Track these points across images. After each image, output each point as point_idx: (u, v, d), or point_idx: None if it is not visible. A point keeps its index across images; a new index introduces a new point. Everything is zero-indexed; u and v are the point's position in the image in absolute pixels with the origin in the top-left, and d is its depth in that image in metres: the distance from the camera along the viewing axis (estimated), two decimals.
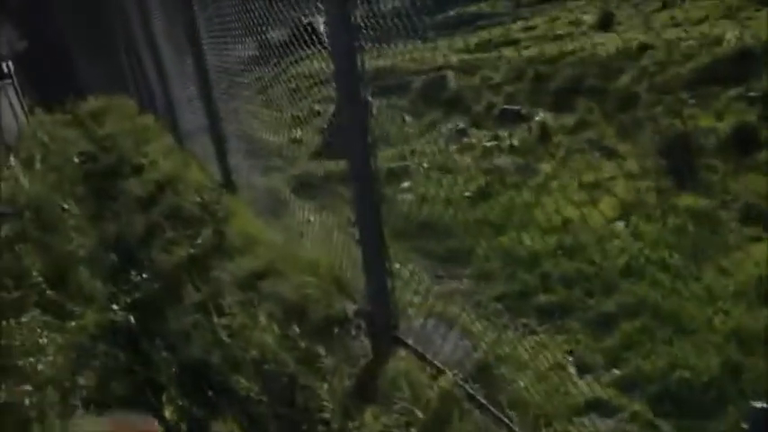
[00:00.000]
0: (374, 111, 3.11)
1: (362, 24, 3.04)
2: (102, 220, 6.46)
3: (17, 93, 12.16)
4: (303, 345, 3.32)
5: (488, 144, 6.97)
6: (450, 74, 9.45)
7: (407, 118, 8.44)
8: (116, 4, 12.58)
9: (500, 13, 15.26)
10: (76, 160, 8.99)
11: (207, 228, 5.09)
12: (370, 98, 3.35)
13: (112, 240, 5.82)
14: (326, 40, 3.31)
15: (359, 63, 3.09)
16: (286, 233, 5.17)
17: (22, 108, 12.35)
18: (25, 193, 6.97)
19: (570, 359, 3.45)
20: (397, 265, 4.40)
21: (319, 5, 3.20)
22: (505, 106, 8.00)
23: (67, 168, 8.60)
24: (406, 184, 6.27)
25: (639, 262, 4.17)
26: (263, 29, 4.93)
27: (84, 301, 4.64)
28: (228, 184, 6.18)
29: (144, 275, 4.51)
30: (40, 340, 3.99)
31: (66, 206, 6.45)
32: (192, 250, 4.80)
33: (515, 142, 6.84)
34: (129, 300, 4.38)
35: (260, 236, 4.94)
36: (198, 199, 5.85)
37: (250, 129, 6.76)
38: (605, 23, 10.15)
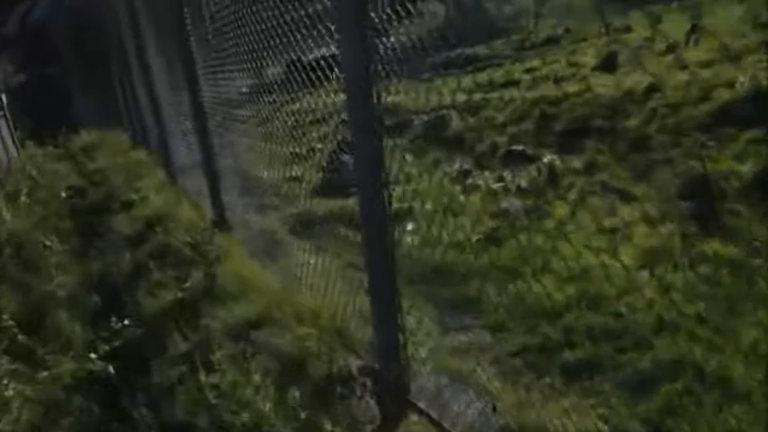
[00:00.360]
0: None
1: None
2: (86, 259, 6.02)
3: (9, 126, 11.79)
4: (301, 409, 2.86)
5: (495, 185, 6.58)
6: (452, 113, 9.11)
7: (408, 157, 8.05)
8: (111, 40, 12.28)
9: (500, 55, 15.04)
10: (64, 195, 8.57)
11: (197, 269, 4.65)
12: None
13: (95, 281, 5.37)
14: (338, 72, 2.95)
15: (375, 95, 2.70)
16: (283, 277, 4.74)
17: (14, 141, 11.97)
18: (6, 228, 6.53)
19: (605, 427, 3.00)
20: (408, 317, 3.98)
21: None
22: (511, 147, 7.65)
23: (54, 203, 8.17)
24: (410, 226, 5.85)
25: (672, 315, 3.74)
26: (262, 62, 4.58)
27: (61, 348, 4.18)
28: (222, 223, 5.75)
29: (127, 321, 4.04)
30: (6, 392, 3.53)
31: (48, 243, 6.01)
32: (180, 294, 4.36)
33: (523, 183, 6.46)
34: (109, 348, 3.91)
35: (255, 279, 4.51)
36: (188, 238, 5.41)
37: (245, 165, 6.39)
38: (608, 65, 9.87)
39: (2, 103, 11.71)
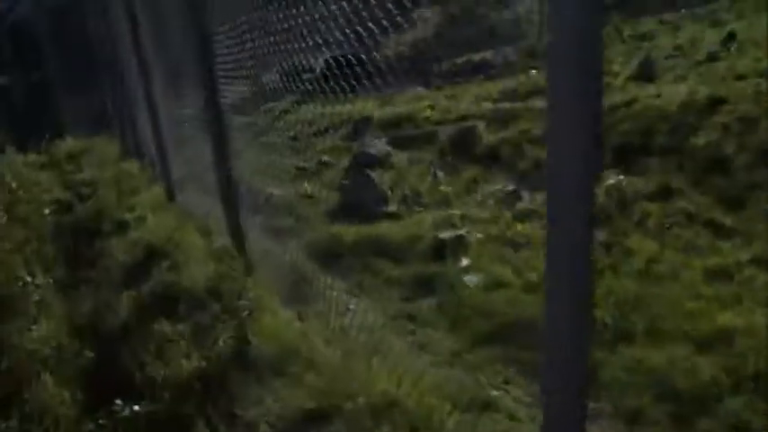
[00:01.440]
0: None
1: None
2: (75, 298, 4.91)
3: None
4: None
5: None
6: (479, 124, 8.09)
7: (439, 173, 7.03)
8: (102, 41, 11.13)
9: (511, 62, 14.09)
10: (47, 211, 7.41)
11: (223, 326, 3.56)
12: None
13: (88, 332, 4.26)
14: None
15: None
16: (325, 331, 3.68)
17: None
18: None
19: None
20: (494, 392, 2.95)
21: None
22: None
23: (36, 220, 7.02)
24: (464, 262, 4.81)
25: None
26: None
27: None
28: (240, 253, 4.66)
29: (134, 405, 2.95)
30: None
31: (29, 278, 4.88)
32: (203, 362, 3.26)
33: None
34: None
35: (298, 342, 3.43)
36: (205, 278, 4.34)
37: (260, 181, 5.34)
38: (645, 74, 8.92)
39: None
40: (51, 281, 5.21)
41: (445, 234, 5.15)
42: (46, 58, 16.87)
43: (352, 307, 4.16)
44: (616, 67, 9.86)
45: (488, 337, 3.72)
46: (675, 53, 10.11)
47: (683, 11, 17.37)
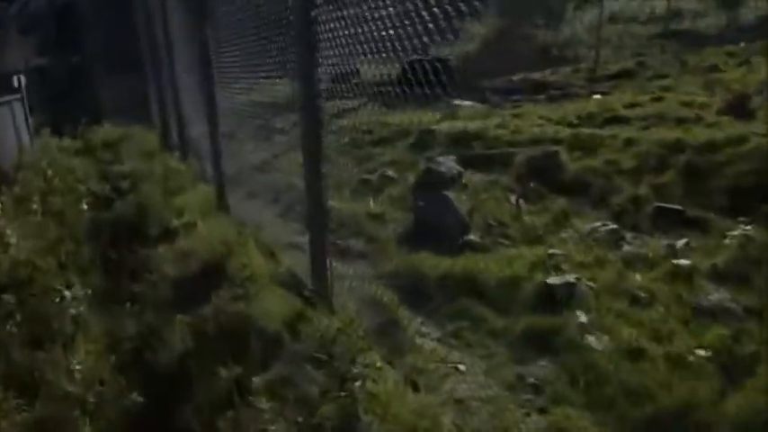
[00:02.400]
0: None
1: None
2: (117, 316, 4.11)
3: (25, 111, 9.86)
4: None
5: (669, 259, 4.71)
6: (559, 150, 7.24)
7: (522, 203, 6.19)
8: (151, 26, 10.40)
9: (572, 84, 13.24)
10: (84, 206, 6.63)
11: (321, 390, 2.72)
12: None
13: (134, 365, 3.46)
14: None
15: None
16: (441, 404, 2.84)
17: (28, 129, 10.01)
18: (10, 257, 4.61)
19: None
20: None
21: None
22: (661, 203, 5.78)
23: (72, 216, 6.25)
24: (582, 317, 3.95)
25: None
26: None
27: None
28: (321, 289, 3.82)
29: None
30: None
31: (66, 291, 4.08)
32: None
33: (716, 262, 4.58)
34: None
35: (411, 419, 2.59)
36: (278, 309, 3.52)
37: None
38: (739, 109, 8.05)
39: (20, 84, 9.77)
40: (89, 292, 4.42)
41: (553, 280, 4.30)
42: (89, 41, 16.20)
43: (461, 368, 3.34)
44: (700, 99, 8.99)
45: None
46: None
47: (742, 44, 16.51)
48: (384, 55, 3.36)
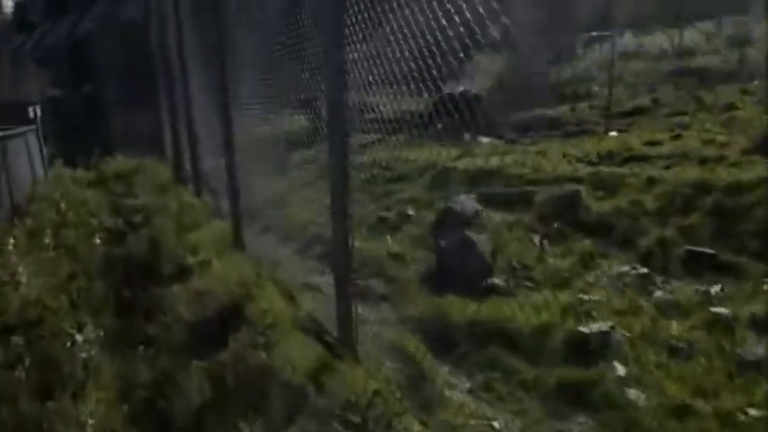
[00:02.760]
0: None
1: None
2: (130, 360, 3.91)
3: (39, 140, 9.78)
4: None
5: (705, 306, 4.48)
6: (581, 189, 7.05)
7: (546, 244, 5.98)
8: (162, 59, 10.34)
9: (584, 120, 13.10)
10: (98, 241, 6.47)
11: None
12: None
13: (149, 417, 3.25)
14: None
15: None
16: None
17: (42, 160, 9.92)
18: (21, 296, 4.44)
19: None
20: None
21: None
22: (691, 247, 5.57)
23: (85, 251, 6.08)
24: (620, 369, 3.73)
25: None
26: None
27: None
28: (345, 336, 3.61)
29: None
30: None
31: (77, 335, 3.89)
32: None
33: (754, 311, 4.35)
34: None
35: None
36: (302, 359, 3.31)
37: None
38: (766, 149, 7.86)
39: (35, 115, 9.70)
40: (101, 333, 4.23)
41: (586, 328, 4.08)
42: (103, 73, 16.21)
43: (496, 425, 3.11)
44: (721, 137, 8.81)
45: None
46: None
47: (756, 82, 16.37)
48: (404, 89, 3.28)
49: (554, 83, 18.91)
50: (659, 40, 23.56)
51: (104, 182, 10.61)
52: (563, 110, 13.78)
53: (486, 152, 9.30)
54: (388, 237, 6.30)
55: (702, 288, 4.87)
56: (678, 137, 9.41)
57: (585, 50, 23.72)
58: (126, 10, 14.39)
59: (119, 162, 12.12)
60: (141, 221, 7.29)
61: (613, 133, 11.64)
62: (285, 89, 4.99)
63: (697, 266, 5.34)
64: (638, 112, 13.28)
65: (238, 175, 6.24)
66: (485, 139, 11.03)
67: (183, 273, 5.33)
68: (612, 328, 4.12)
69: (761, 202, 6.08)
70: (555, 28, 20.66)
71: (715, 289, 4.83)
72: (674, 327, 4.25)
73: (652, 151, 8.59)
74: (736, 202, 6.24)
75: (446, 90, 3.35)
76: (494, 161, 8.45)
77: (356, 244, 3.69)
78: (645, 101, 14.02)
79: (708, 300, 4.68)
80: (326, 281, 4.80)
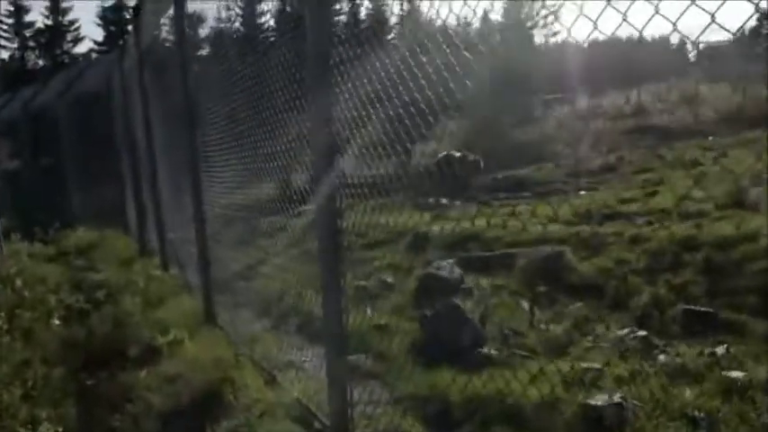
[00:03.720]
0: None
1: None
2: None
3: None
4: None
5: (728, 373, 4.16)
6: (565, 250, 6.80)
7: (535, 309, 5.67)
8: (128, 131, 9.98)
9: (553, 180, 13.06)
10: (56, 321, 5.96)
11: None
12: None
13: None
14: None
15: None
16: None
17: None
18: None
19: None
20: None
21: None
22: (687, 306, 5.30)
23: (42, 333, 5.58)
24: None
25: None
26: None
27: None
28: (340, 425, 3.19)
29: None
30: None
31: None
32: None
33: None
34: None
35: None
36: None
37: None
38: (741, 202, 7.79)
39: None
40: (60, 430, 3.75)
41: (597, 400, 3.73)
42: (63, 144, 15.76)
43: None
44: (697, 193, 8.73)
45: None
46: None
47: (710, 138, 16.69)
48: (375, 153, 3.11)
49: (516, 144, 19.04)
50: (615, 100, 24.11)
51: (64, 256, 10.09)
52: (529, 170, 13.66)
53: (459, 215, 9.05)
54: (369, 307, 5.91)
55: (707, 350, 4.57)
56: (653, 194, 9.31)
57: (545, 112, 24.12)
58: (86, 81, 14.07)
59: (79, 235, 11.61)
60: (104, 298, 6.80)
61: (583, 192, 11.58)
62: (259, 155, 4.69)
63: (696, 326, 5.06)
64: (605, 170, 13.31)
65: (209, 245, 5.86)
66: (456, 202, 10.83)
67: (151, 354, 4.87)
68: (624, 399, 3.78)
69: (750, 257, 5.90)
70: (514, 91, 20.96)
71: (721, 350, 4.54)
72: (688, 394, 3.92)
73: (630, 209, 8.45)
74: (726, 257, 6.05)
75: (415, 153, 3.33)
76: (469, 224, 8.20)
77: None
78: (611, 159, 14.10)
79: (716, 362, 4.38)
80: (311, 358, 4.41)
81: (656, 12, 1.89)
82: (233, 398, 3.70)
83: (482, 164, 12.56)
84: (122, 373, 4.59)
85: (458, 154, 12.22)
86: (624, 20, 2.00)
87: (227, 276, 5.85)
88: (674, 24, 1.94)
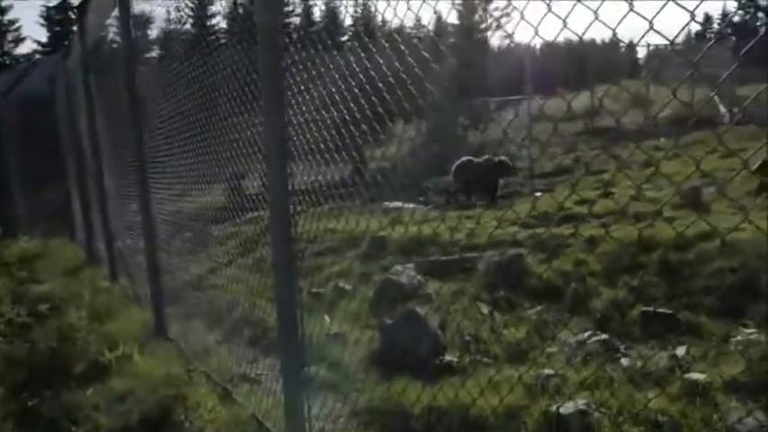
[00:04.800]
0: None
1: None
2: None
3: None
4: None
5: (690, 376, 4.15)
6: (524, 253, 6.79)
7: (496, 314, 5.62)
8: (76, 136, 9.67)
9: (508, 182, 13.09)
10: None
11: None
12: None
13: None
14: None
15: None
16: None
17: None
18: None
19: None
20: None
21: None
22: (647, 308, 5.31)
23: None
24: None
25: None
26: None
27: None
28: None
29: None
30: None
31: None
32: None
33: (734, 373, 4.06)
34: None
35: None
36: None
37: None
38: (695, 202, 7.89)
39: None
40: None
41: (562, 408, 3.68)
42: (3, 149, 15.22)
43: None
44: (651, 193, 8.82)
45: None
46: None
47: (662, 139, 17.00)
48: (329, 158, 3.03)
49: (470, 146, 19.10)
50: (568, 102, 24.39)
51: (5, 267, 9.69)
52: None
53: (415, 219, 8.99)
54: (326, 315, 5.79)
55: (668, 352, 4.58)
56: (608, 195, 9.39)
57: (499, 114, 24.27)
58: (29, 81, 13.62)
59: (22, 245, 11.19)
60: (48, 311, 6.53)
61: (538, 194, 11.64)
62: (210, 159, 4.54)
63: (656, 328, 5.06)
64: (560, 171, 13.41)
65: (158, 253, 5.67)
66: (410, 206, 10.77)
67: (98, 371, 4.68)
68: (588, 405, 3.74)
69: (705, 258, 5.96)
70: (467, 94, 21.05)
71: (681, 352, 4.54)
72: (651, 398, 3.89)
73: (586, 210, 8.48)
74: (682, 257, 6.10)
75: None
76: (426, 228, 8.14)
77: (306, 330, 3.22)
78: (566, 160, 14.22)
79: (678, 365, 4.38)
80: (266, 371, 4.27)
81: (596, 17, 1.95)
82: (185, 417, 3.53)
83: (516, 167, 12.65)
84: (67, 392, 4.38)
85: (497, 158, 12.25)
86: (565, 26, 2.04)
87: (179, 286, 5.67)
88: (614, 31, 1.98)
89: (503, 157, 12.60)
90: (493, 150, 18.43)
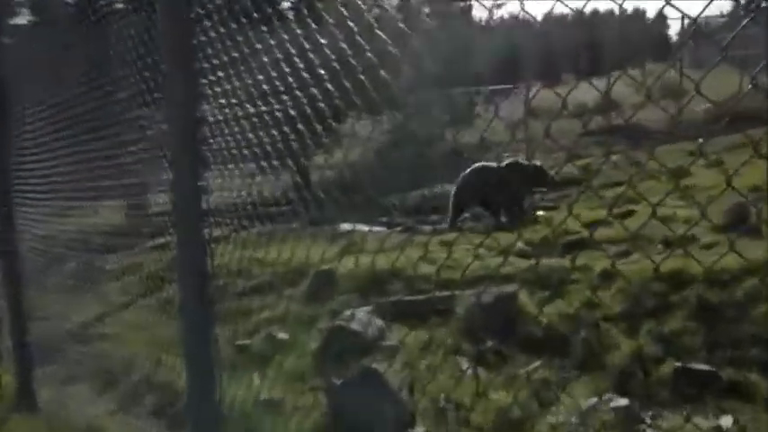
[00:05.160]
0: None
1: None
2: None
3: None
4: None
5: None
6: (517, 292, 6.88)
7: (481, 373, 5.69)
8: None
9: None
10: None
11: None
12: None
13: None
14: None
15: None
16: None
17: None
18: None
19: None
20: None
21: None
22: (681, 364, 5.42)
23: None
24: None
25: None
26: None
27: None
28: None
29: None
30: None
31: None
32: None
33: None
34: None
35: None
36: None
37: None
38: (741, 224, 8.14)
39: None
40: None
41: None
42: None
43: None
44: (683, 212, 9.03)
45: None
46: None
47: (700, 140, 17.39)
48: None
49: (452, 150, 19.31)
50: (578, 91, 24.79)
51: None
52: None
53: (376, 247, 9.05)
54: (254, 375, 5.79)
55: (709, 422, 4.69)
56: (628, 214, 9.57)
57: (487, 108, 24.62)
58: None
59: None
60: None
61: (540, 212, 11.79)
62: (100, 167, 4.55)
63: (692, 390, 5.18)
64: (566, 183, 13.63)
65: (27, 293, 5.63)
66: (371, 229, 10.83)
67: None
68: None
69: (755, 296, 6.10)
70: (449, 83, 21.28)
71: (727, 422, 4.66)
72: None
73: (599, 234, 8.62)
74: (724, 297, 6.24)
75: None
76: (389, 258, 8.18)
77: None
78: (572, 169, 14.44)
79: None
80: None
81: None
82: None
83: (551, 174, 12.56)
84: None
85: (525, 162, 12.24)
86: None
87: (55, 338, 5.64)
88: None
89: (537, 162, 12.62)
90: (479, 155, 18.75)
